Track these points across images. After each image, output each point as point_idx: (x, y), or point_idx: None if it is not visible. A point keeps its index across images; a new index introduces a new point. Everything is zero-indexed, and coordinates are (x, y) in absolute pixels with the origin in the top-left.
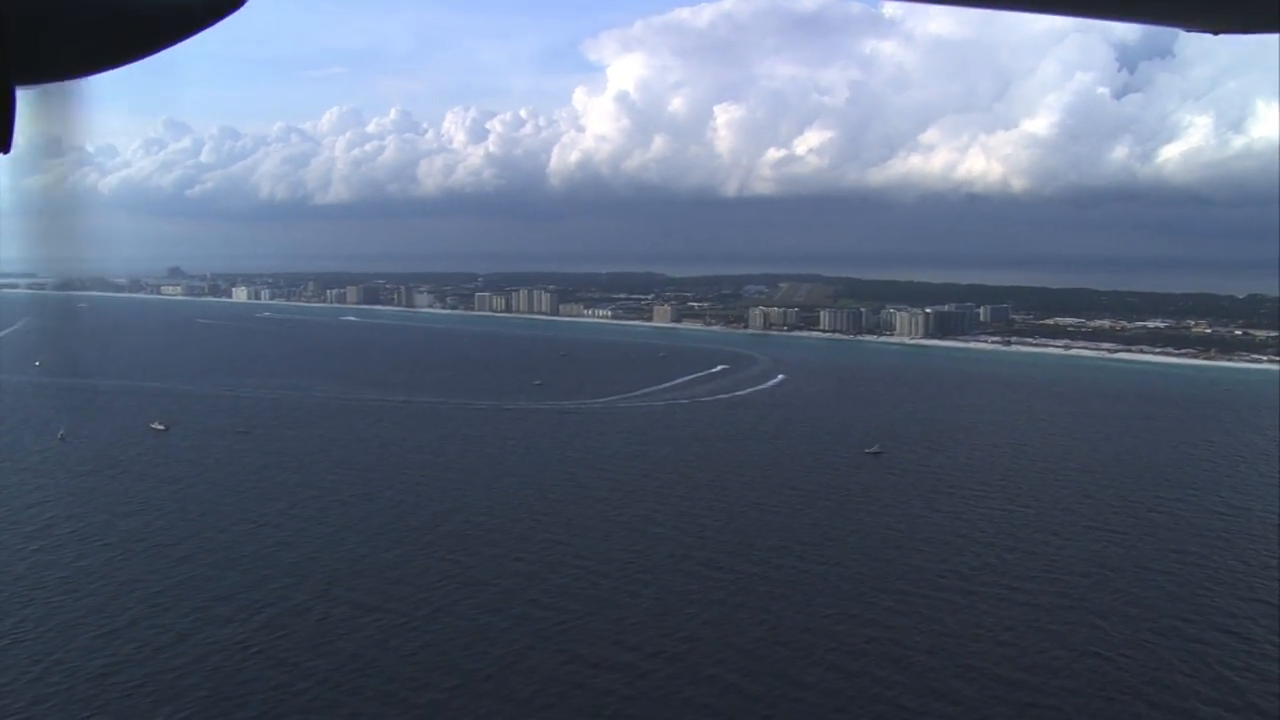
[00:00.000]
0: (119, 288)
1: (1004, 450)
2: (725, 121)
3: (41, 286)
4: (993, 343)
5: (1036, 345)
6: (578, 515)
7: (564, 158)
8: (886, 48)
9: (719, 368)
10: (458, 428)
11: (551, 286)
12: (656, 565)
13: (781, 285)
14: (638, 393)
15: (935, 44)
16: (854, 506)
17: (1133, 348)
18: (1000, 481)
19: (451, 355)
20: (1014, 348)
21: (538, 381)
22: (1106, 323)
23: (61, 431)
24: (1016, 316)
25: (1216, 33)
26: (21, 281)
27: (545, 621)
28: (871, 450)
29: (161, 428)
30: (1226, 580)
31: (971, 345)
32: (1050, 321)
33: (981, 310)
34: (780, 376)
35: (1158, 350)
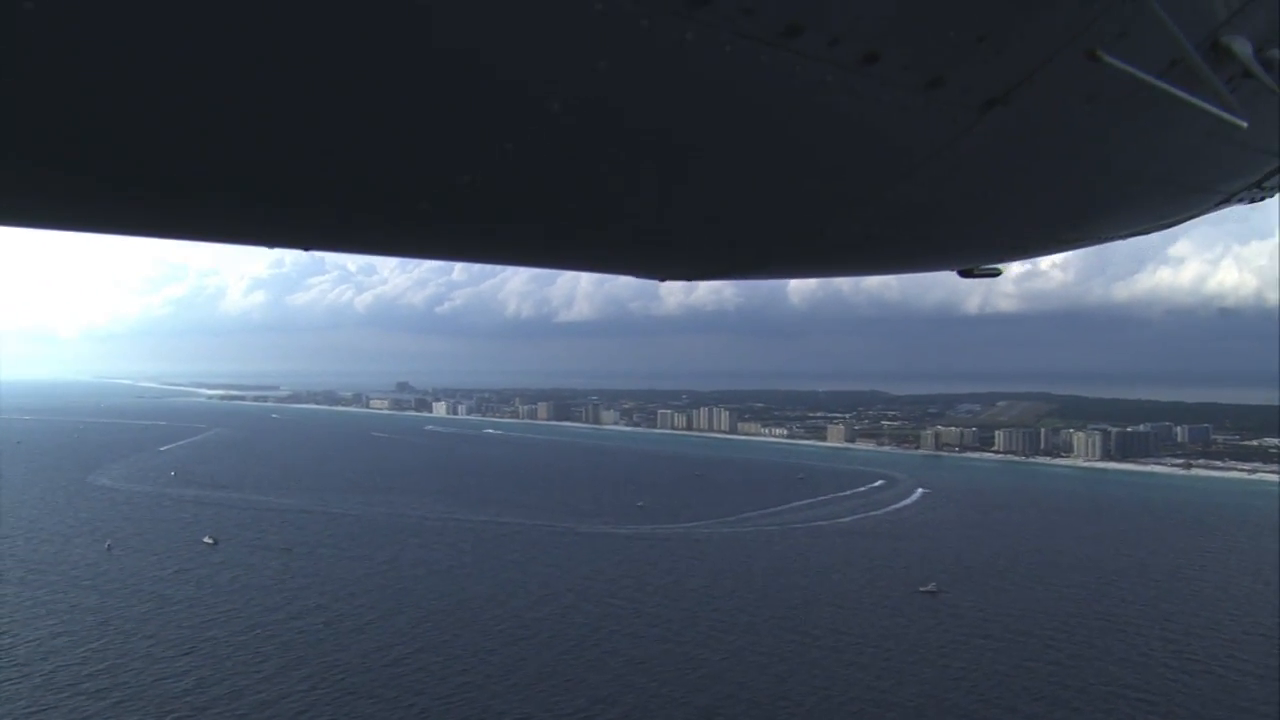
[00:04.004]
0: (342, 401)
1: (1084, 590)
2: None
3: (264, 399)
4: (1172, 465)
5: (1222, 469)
6: (550, 657)
7: None
8: None
9: (849, 491)
10: (514, 551)
11: (759, 404)
12: None
13: (999, 404)
14: (737, 517)
15: None
16: (863, 661)
17: None
18: (1047, 632)
19: (581, 473)
20: (1193, 471)
21: (640, 503)
22: None
23: (109, 543)
24: (1218, 437)
25: (663, 280)
26: (249, 394)
27: None
28: (927, 589)
29: (211, 542)
30: None
31: (1147, 469)
32: (1254, 443)
33: (1178, 430)
34: (911, 499)
35: None
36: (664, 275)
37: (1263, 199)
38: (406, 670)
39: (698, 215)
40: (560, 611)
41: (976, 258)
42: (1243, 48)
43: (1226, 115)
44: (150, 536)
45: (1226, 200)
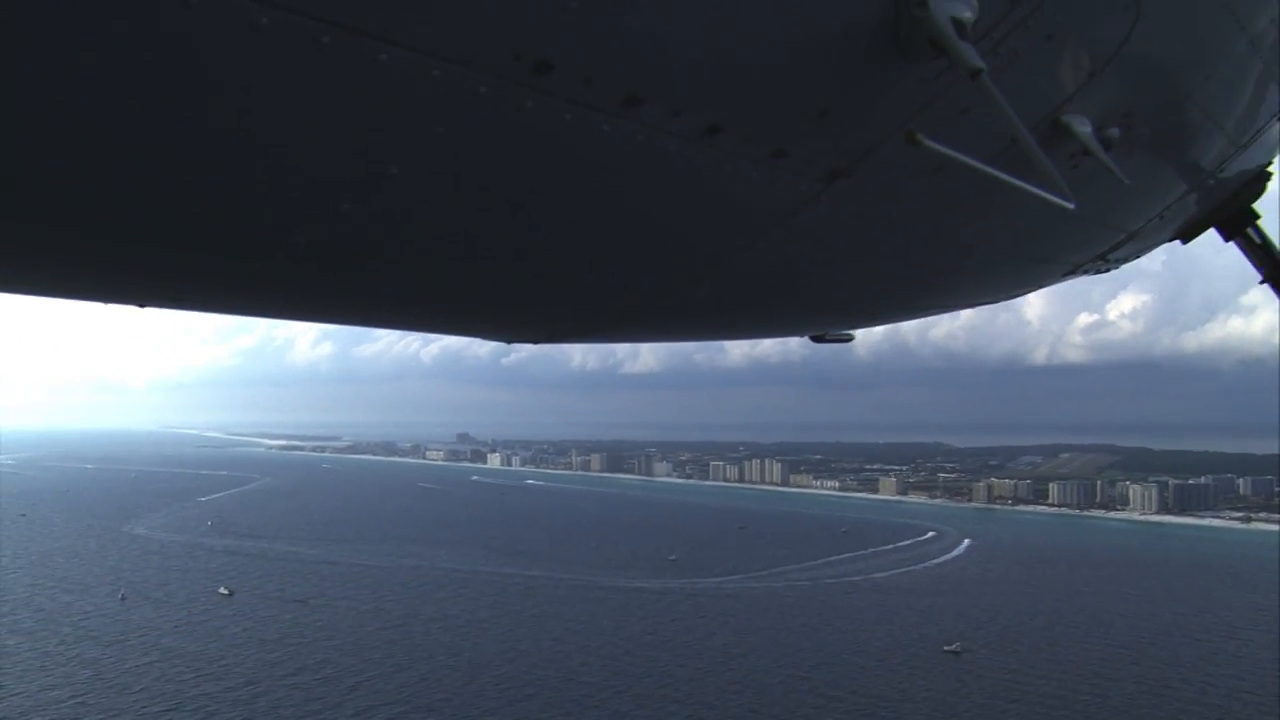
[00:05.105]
0: (399, 452)
1: (1123, 650)
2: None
3: (322, 449)
4: (1231, 519)
5: None
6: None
7: None
8: None
9: (891, 545)
10: (535, 605)
11: (817, 456)
12: None
13: (1062, 455)
14: (770, 571)
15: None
16: None
17: None
18: (1076, 695)
19: (617, 525)
20: (1253, 525)
21: (673, 556)
22: None
23: (122, 593)
24: None
25: (509, 342)
26: (308, 444)
27: None
28: (951, 648)
29: (226, 593)
30: None
31: (1204, 522)
32: None
33: (1241, 482)
34: (954, 554)
35: None
36: (510, 338)
37: (1108, 270)
38: None
39: (541, 280)
40: (570, 670)
41: (827, 324)
42: (1082, 126)
43: (1054, 198)
44: (171, 587)
45: (1073, 271)
